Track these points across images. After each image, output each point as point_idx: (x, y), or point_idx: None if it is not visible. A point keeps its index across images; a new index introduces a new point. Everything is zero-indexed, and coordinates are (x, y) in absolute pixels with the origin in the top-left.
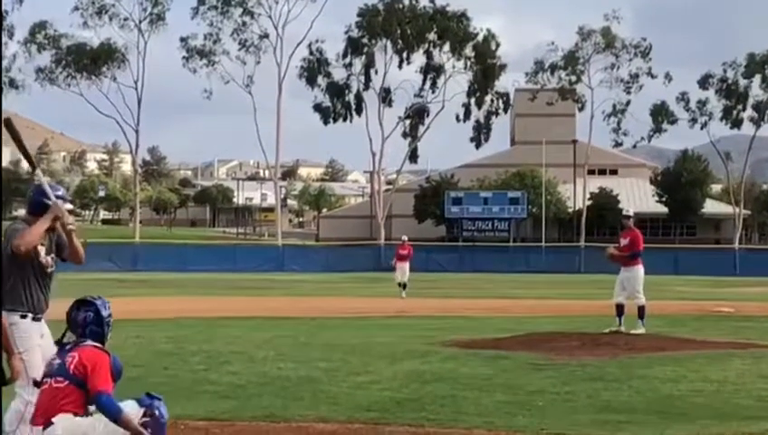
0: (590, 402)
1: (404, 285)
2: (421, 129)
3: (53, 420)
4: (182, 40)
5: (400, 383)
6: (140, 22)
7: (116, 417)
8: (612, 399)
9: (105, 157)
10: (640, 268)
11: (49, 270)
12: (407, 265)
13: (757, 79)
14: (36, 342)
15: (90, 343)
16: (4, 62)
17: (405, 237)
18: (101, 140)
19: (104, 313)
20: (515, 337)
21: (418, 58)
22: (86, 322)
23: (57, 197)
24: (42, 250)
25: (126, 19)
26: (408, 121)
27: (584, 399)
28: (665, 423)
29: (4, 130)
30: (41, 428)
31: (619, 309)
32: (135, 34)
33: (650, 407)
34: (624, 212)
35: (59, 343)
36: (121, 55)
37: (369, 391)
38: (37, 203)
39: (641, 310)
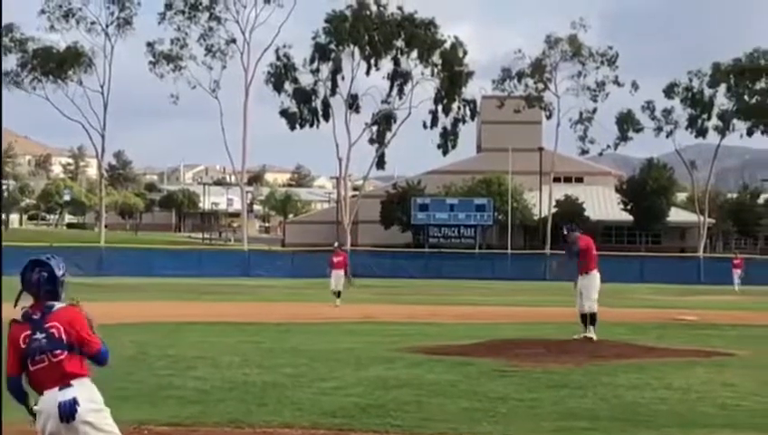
0: (554, 409)
1: (338, 294)
2: (388, 135)
3: (72, 382)
4: (149, 45)
5: (365, 389)
6: (107, 26)
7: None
8: (576, 406)
9: (70, 161)
10: (597, 275)
11: None
12: (341, 272)
13: (722, 88)
14: None
15: (57, 305)
16: None
17: (337, 244)
18: (67, 143)
19: (58, 272)
20: (480, 344)
21: (386, 64)
22: (40, 282)
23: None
24: None
25: (93, 23)
26: (374, 128)
27: (549, 406)
28: (629, 431)
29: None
30: (56, 388)
31: (584, 318)
32: (102, 39)
33: (614, 414)
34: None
35: (16, 304)
36: (88, 59)
37: (334, 397)
38: None
39: (593, 317)
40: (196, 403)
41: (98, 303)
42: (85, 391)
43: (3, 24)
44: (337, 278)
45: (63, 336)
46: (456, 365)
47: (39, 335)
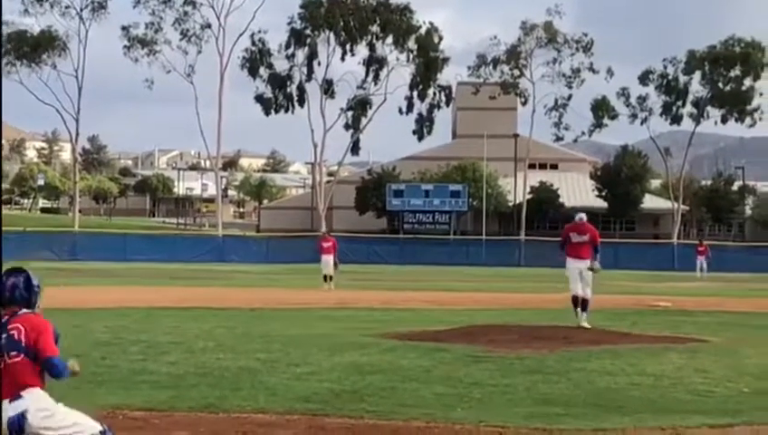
0: (528, 395)
1: (330, 278)
2: (363, 121)
3: (23, 393)
4: (123, 29)
5: (339, 375)
6: (82, 10)
7: (64, 373)
8: (550, 391)
9: (44, 145)
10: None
11: None
12: (330, 257)
13: (697, 75)
14: None
15: (25, 310)
16: None
17: (325, 229)
18: (41, 128)
19: (34, 281)
20: (455, 329)
21: (361, 50)
22: (15, 286)
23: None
24: None
25: (67, 7)
26: (350, 113)
27: (522, 391)
28: (602, 416)
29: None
30: (6, 401)
31: (577, 301)
32: (76, 22)
33: (588, 400)
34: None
35: None
36: (62, 43)
37: (308, 383)
38: None
39: (587, 303)
40: (169, 388)
41: (72, 288)
42: (35, 402)
43: None
44: (326, 263)
45: (23, 338)
46: (430, 351)
47: (2, 335)
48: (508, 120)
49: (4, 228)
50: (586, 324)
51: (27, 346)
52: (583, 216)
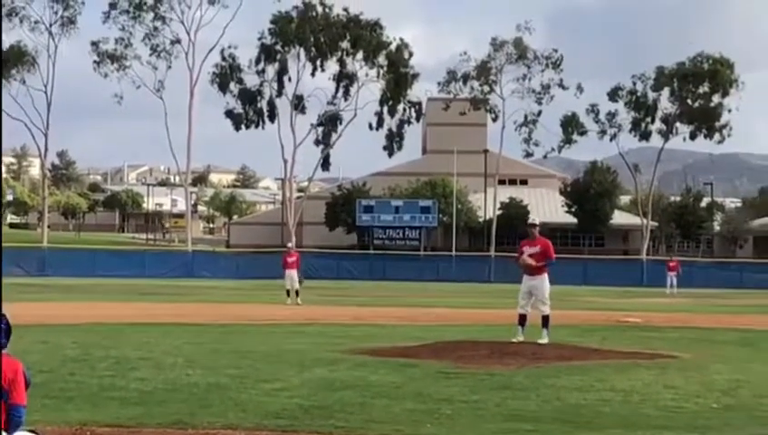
0: (497, 411)
1: (296, 292)
2: (333, 136)
3: None
4: (93, 44)
5: (309, 391)
6: (51, 25)
7: (20, 428)
8: (520, 408)
9: (13, 160)
10: (546, 277)
11: None
12: (294, 271)
13: (666, 92)
14: None
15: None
16: None
17: (290, 244)
18: (10, 143)
19: (5, 325)
20: (425, 345)
21: (332, 66)
22: None
23: None
24: None
25: (37, 22)
26: (320, 129)
27: (492, 407)
28: (571, 432)
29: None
30: None
31: (523, 319)
32: (46, 37)
33: (557, 416)
34: (530, 221)
35: None
36: (31, 58)
37: (278, 399)
38: None
39: (546, 319)
40: (138, 404)
41: (40, 303)
42: None
43: None
44: (290, 278)
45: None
46: (400, 367)
47: None
48: (478, 136)
49: None
50: (544, 341)
51: (3, 388)
52: (535, 219)
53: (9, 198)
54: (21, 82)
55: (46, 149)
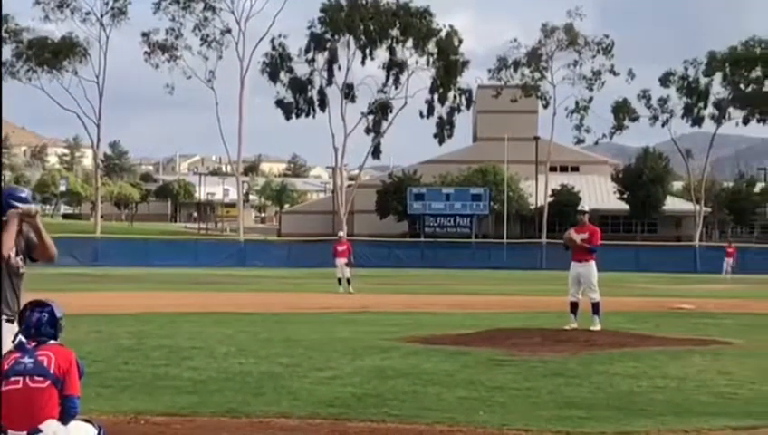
0: (551, 398)
1: (348, 281)
2: (384, 124)
3: (41, 426)
4: (144, 35)
5: (362, 379)
6: (102, 16)
7: (76, 417)
8: (573, 395)
9: (66, 151)
10: (594, 263)
11: (20, 271)
12: (344, 260)
13: (718, 77)
14: (9, 344)
15: (53, 342)
16: None
17: (341, 233)
18: (62, 134)
19: (58, 314)
20: (477, 333)
21: (381, 54)
22: (40, 322)
23: (21, 199)
24: (12, 252)
25: (88, 13)
26: (370, 117)
27: (545, 395)
28: (624, 419)
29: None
30: (24, 433)
31: (574, 307)
32: (97, 29)
33: (610, 403)
34: (579, 208)
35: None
36: (83, 49)
37: (331, 387)
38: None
39: (597, 306)
40: (192, 393)
41: (94, 293)
42: (54, 429)
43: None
44: (340, 267)
45: (52, 366)
46: (452, 355)
47: (26, 360)
48: (529, 123)
49: None
50: (596, 327)
51: (56, 375)
52: (585, 206)
53: (62, 188)
54: (73, 73)
55: (99, 140)
